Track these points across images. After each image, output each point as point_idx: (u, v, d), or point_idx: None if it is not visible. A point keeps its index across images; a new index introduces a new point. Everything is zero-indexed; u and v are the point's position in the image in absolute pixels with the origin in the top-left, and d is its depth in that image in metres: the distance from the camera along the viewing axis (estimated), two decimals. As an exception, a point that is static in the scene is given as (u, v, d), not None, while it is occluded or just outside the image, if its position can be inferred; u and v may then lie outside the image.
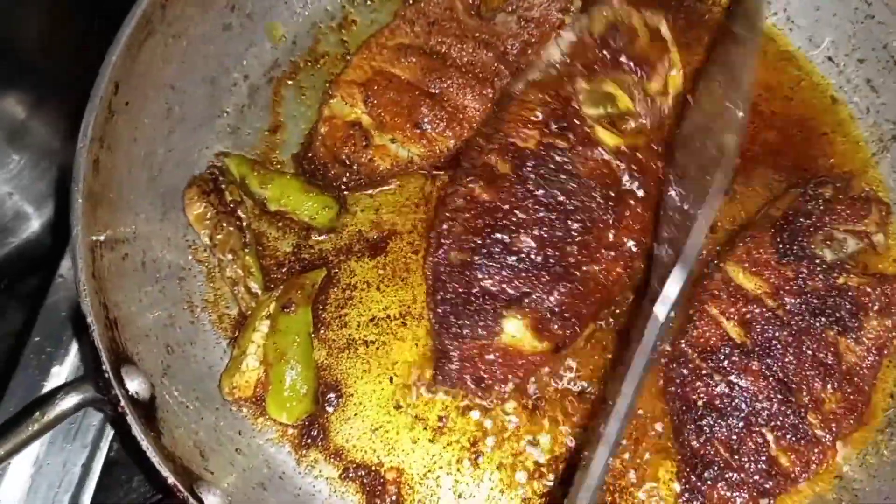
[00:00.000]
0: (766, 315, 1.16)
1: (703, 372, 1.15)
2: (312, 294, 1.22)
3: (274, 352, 1.17)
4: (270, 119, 1.36)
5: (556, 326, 1.16)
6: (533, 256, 1.17)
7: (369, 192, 1.32)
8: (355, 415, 1.20)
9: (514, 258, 1.17)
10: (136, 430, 0.98)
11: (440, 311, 1.18)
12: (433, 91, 1.30)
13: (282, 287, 1.23)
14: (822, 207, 1.22)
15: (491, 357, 1.16)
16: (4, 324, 1.44)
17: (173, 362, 1.16)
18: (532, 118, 1.23)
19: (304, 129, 1.36)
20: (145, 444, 0.98)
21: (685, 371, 1.16)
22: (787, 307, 1.16)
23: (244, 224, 1.26)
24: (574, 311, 1.17)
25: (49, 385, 1.24)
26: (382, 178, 1.32)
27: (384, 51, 1.33)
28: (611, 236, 1.19)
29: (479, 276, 1.17)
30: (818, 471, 1.14)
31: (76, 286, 1.03)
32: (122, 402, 0.99)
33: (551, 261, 1.17)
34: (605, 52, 1.25)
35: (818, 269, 1.18)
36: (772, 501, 1.12)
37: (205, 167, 1.31)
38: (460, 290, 1.17)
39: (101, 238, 1.10)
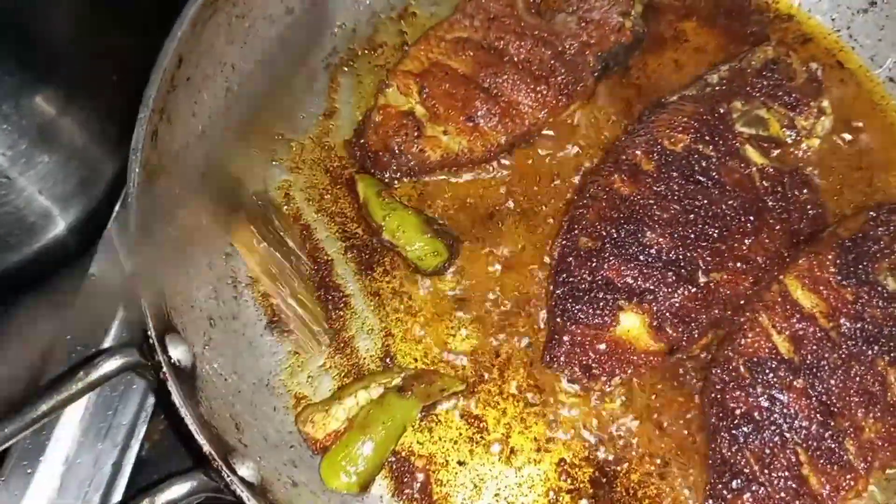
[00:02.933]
0: (819, 335, 1.14)
1: (746, 382, 1.14)
2: (434, 398, 1.18)
3: (364, 418, 1.14)
4: (326, 104, 1.38)
5: (673, 328, 1.16)
6: (662, 254, 1.18)
7: (417, 178, 1.33)
8: (389, 402, 1.21)
9: (644, 253, 1.18)
10: (176, 397, 0.99)
11: (559, 292, 1.19)
12: (488, 86, 1.31)
13: (415, 370, 1.20)
14: (891, 234, 1.20)
15: (603, 347, 1.17)
16: (37, 327, 1.40)
17: (215, 335, 1.17)
18: (684, 124, 1.25)
19: (359, 115, 1.37)
20: (184, 411, 0.99)
21: (727, 378, 1.15)
22: (842, 330, 1.14)
23: (296, 254, 1.26)
24: (695, 317, 1.17)
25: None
26: (431, 169, 1.32)
27: (442, 43, 1.34)
28: (744, 248, 1.20)
29: (605, 265, 1.18)
30: (847, 497, 1.11)
31: (130, 258, 1.05)
32: (165, 369, 1.00)
33: (681, 262, 1.18)
34: (762, 81, 1.29)
35: (879, 296, 1.15)
36: (795, 521, 1.10)
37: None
38: (584, 275, 1.18)
39: (156, 209, 1.13)
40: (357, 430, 1.13)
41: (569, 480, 1.16)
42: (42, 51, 1.21)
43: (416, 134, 1.30)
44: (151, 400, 1.27)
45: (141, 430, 1.26)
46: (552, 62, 1.31)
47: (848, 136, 1.34)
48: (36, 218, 1.29)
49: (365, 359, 1.23)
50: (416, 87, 1.31)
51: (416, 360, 1.22)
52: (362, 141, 1.32)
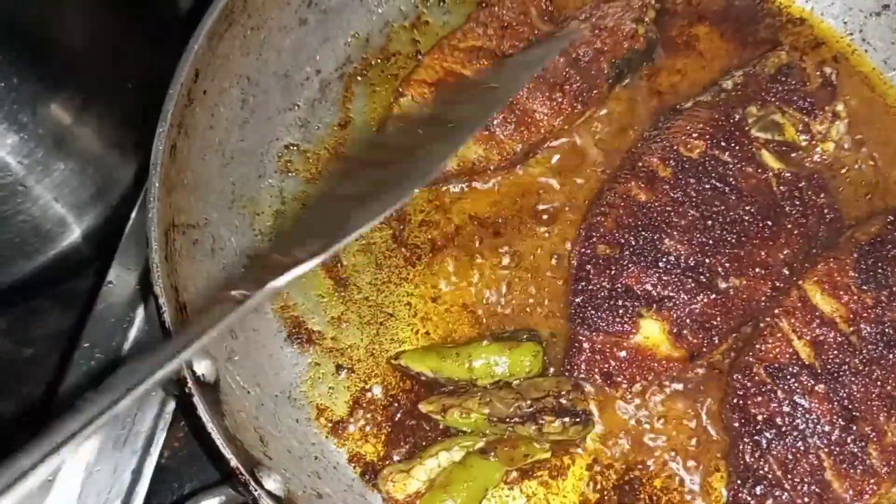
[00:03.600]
0: (839, 340, 1.14)
1: (767, 387, 1.14)
2: (517, 462, 1.15)
3: (445, 478, 1.13)
4: (340, 114, 1.38)
5: (693, 335, 1.17)
6: (681, 261, 1.19)
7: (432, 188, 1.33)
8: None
9: (662, 260, 1.19)
10: (202, 411, 0.99)
11: (579, 300, 1.20)
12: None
13: (502, 435, 1.16)
14: (910, 238, 1.20)
15: (623, 354, 1.18)
16: (47, 326, 1.46)
17: (237, 347, 1.17)
18: (699, 130, 1.26)
19: (373, 125, 1.37)
20: (210, 426, 0.99)
21: (749, 384, 1.15)
22: (862, 334, 1.15)
23: None
24: (714, 323, 1.17)
25: (100, 391, 1.26)
26: (446, 178, 1.33)
27: (456, 52, 1.34)
28: (763, 254, 1.20)
29: (624, 272, 1.19)
30: (870, 501, 1.11)
31: (150, 267, 1.05)
32: (190, 383, 1.01)
33: (699, 268, 1.18)
34: (776, 86, 1.30)
35: (899, 301, 1.16)
36: (819, 526, 1.10)
37: (274, 158, 1.33)
38: (603, 283, 1.19)
39: (175, 222, 1.13)
40: (439, 490, 1.11)
41: (593, 487, 1.16)
42: (58, 58, 1.22)
43: None
44: (170, 408, 1.27)
45: (160, 438, 1.26)
46: (566, 69, 1.31)
47: (863, 140, 1.34)
48: (51, 226, 1.30)
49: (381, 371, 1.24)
50: (431, 96, 1.32)
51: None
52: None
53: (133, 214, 1.36)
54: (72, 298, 1.43)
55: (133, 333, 1.30)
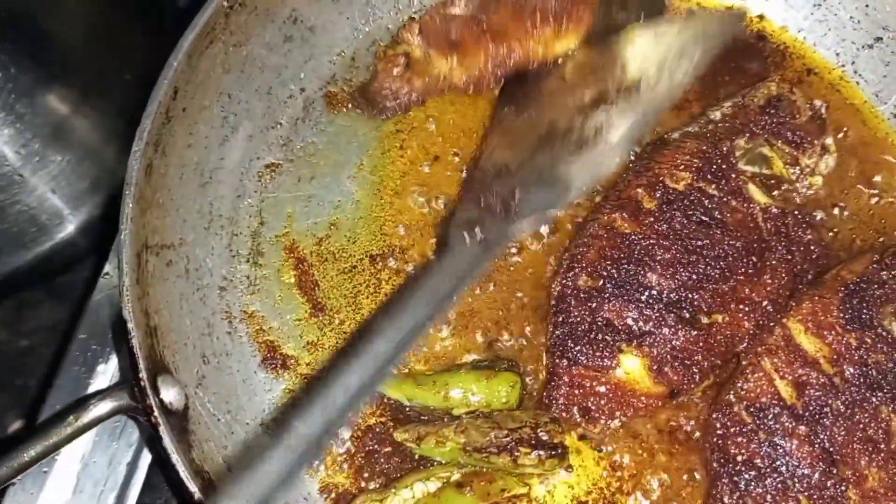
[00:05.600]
0: (822, 381, 1.12)
1: (748, 427, 1.12)
2: (493, 497, 1.11)
3: None
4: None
5: (674, 371, 1.15)
6: (663, 296, 1.16)
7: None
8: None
9: (644, 294, 1.17)
10: (167, 441, 0.97)
11: (559, 333, 1.18)
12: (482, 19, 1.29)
13: (477, 468, 1.13)
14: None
15: (602, 389, 1.15)
16: (42, 318, 1.47)
17: (208, 373, 1.15)
18: (686, 162, 1.24)
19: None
20: (175, 457, 0.97)
21: (729, 423, 1.13)
22: (845, 375, 1.12)
23: None
24: (696, 360, 1.15)
25: (95, 382, 1.24)
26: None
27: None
28: (746, 290, 1.18)
29: (605, 306, 1.17)
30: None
31: (120, 292, 1.03)
32: (156, 412, 0.98)
33: (682, 304, 1.16)
34: (765, 118, 1.27)
35: (883, 341, 1.14)
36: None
37: (254, 177, 1.31)
38: (584, 315, 1.17)
39: (149, 243, 1.11)
40: None
41: None
42: (56, 49, 1.23)
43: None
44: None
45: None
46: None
47: (852, 175, 1.32)
48: (48, 217, 1.30)
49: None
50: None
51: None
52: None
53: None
54: (67, 290, 1.44)
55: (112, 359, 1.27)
